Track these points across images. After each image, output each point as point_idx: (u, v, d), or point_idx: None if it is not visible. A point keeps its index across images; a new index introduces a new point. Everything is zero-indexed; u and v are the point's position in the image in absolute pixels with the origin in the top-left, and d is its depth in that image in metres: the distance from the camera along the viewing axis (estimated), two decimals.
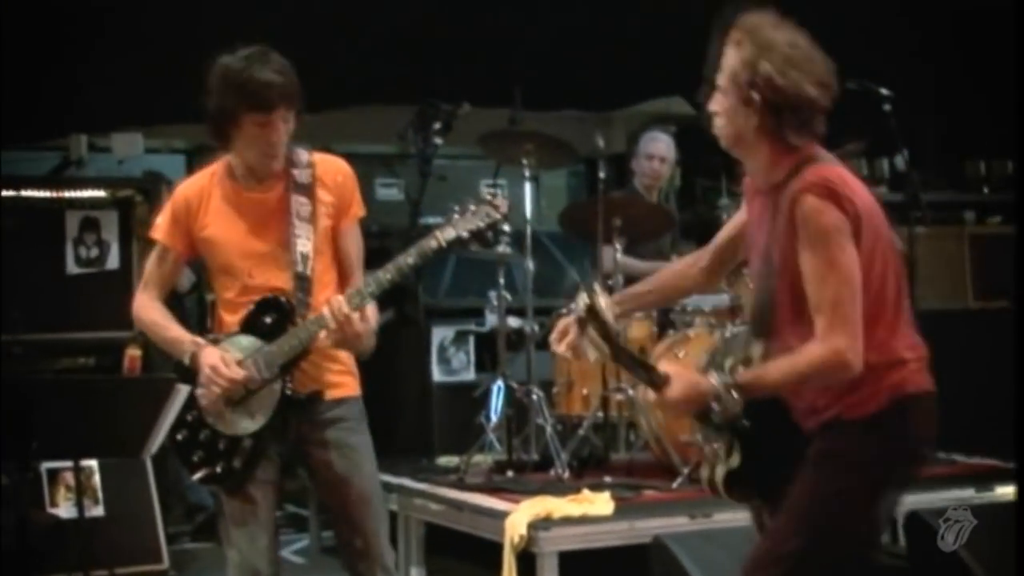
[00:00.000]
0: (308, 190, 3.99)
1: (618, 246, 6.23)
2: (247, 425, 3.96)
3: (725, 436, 3.38)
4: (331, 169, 4.08)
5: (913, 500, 5.69)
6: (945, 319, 7.00)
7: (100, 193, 7.01)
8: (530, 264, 6.23)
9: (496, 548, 5.22)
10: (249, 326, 3.97)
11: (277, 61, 3.86)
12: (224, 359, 3.88)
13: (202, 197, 4.02)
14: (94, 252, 6.89)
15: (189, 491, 6.94)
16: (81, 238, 6.90)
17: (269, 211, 3.99)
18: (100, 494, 6.02)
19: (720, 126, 3.34)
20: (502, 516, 5.27)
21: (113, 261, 6.88)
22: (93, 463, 6.03)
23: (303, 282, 3.96)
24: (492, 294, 6.45)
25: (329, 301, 3.86)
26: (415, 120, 7.30)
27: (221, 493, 4.05)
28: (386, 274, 3.89)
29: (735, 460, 3.37)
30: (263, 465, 4.01)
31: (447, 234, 3.92)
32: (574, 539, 5.21)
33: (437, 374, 7.50)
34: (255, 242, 3.99)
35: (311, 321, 3.89)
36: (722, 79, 3.30)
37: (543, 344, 6.55)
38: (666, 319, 6.47)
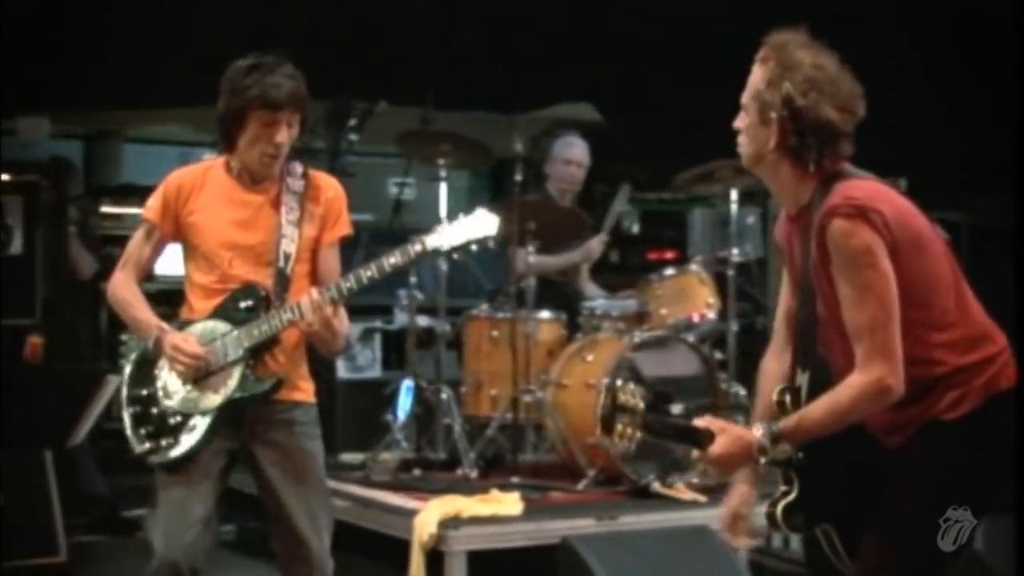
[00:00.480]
0: (299, 198, 4.03)
1: (531, 249, 6.20)
2: (203, 402, 3.93)
3: (781, 470, 3.30)
4: (323, 184, 4.12)
5: None
6: None
7: (4, 177, 6.83)
8: (443, 264, 6.16)
9: (402, 546, 5.18)
10: (222, 312, 3.98)
11: (289, 68, 3.93)
12: (184, 337, 3.91)
13: (194, 185, 4.04)
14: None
15: (86, 483, 6.78)
16: None
17: (259, 209, 4.02)
18: None
19: (741, 144, 3.29)
20: (411, 514, 5.23)
21: (16, 246, 6.70)
22: None
23: (282, 279, 3.99)
24: (402, 292, 6.40)
25: (309, 291, 3.87)
26: (327, 116, 7.20)
27: (161, 475, 3.96)
28: (366, 272, 3.88)
29: (793, 493, 3.29)
30: (208, 454, 3.94)
31: (433, 241, 3.91)
32: (483, 539, 5.19)
33: (342, 371, 7.41)
34: (240, 235, 4.00)
35: (285, 309, 3.89)
36: (745, 96, 3.26)
37: (453, 343, 6.53)
38: (575, 323, 6.45)
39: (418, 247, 3.89)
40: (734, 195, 6.51)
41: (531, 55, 8.41)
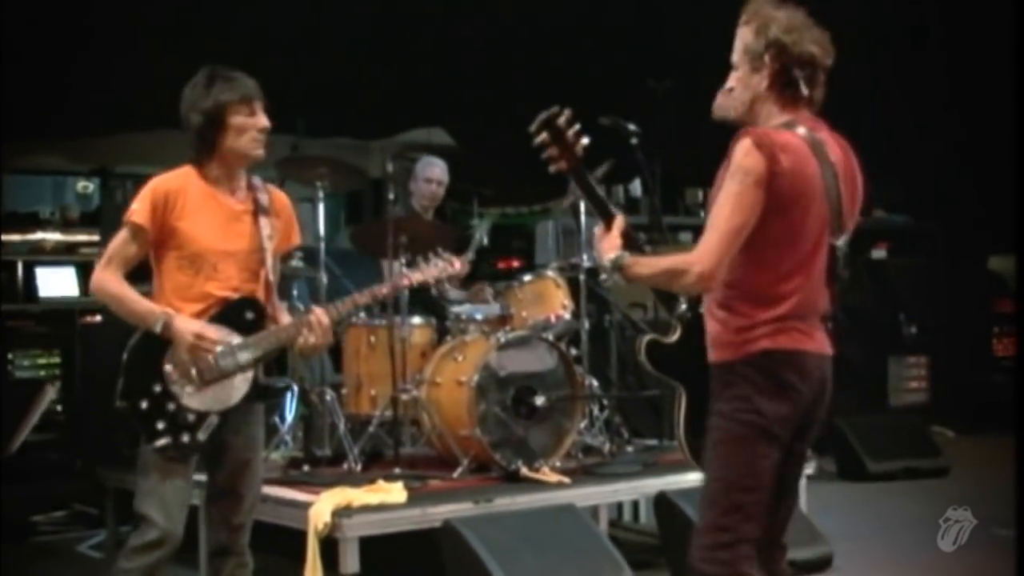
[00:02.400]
0: (268, 212, 4.13)
1: (403, 260, 6.28)
2: (220, 402, 4.03)
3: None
4: (278, 198, 4.23)
5: (661, 482, 6.00)
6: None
7: None
8: (324, 277, 6.22)
9: (297, 536, 5.18)
10: (224, 318, 4.05)
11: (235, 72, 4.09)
12: (203, 324, 3.97)
13: (179, 192, 4.04)
14: None
15: None
16: None
17: (237, 217, 4.09)
18: None
19: (735, 96, 3.49)
20: (305, 506, 5.24)
21: None
22: None
23: (268, 289, 4.15)
24: (284, 305, 6.40)
25: (314, 311, 4.13)
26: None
27: (158, 459, 3.99)
28: (361, 297, 4.21)
29: (669, 339, 3.66)
30: (198, 442, 4.04)
31: (416, 276, 4.40)
32: (373, 525, 5.22)
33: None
34: (224, 241, 4.06)
35: (291, 325, 4.11)
36: (735, 55, 3.48)
37: (332, 349, 6.57)
38: (444, 327, 6.56)
39: (405, 281, 4.38)
40: (583, 206, 6.69)
41: (388, 85, 8.54)
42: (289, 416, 6.30)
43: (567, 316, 6.50)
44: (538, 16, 8.23)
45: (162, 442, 3.98)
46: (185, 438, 4.00)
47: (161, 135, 8.20)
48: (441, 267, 4.40)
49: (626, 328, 7.67)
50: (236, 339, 4.04)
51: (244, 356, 4.04)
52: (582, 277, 6.61)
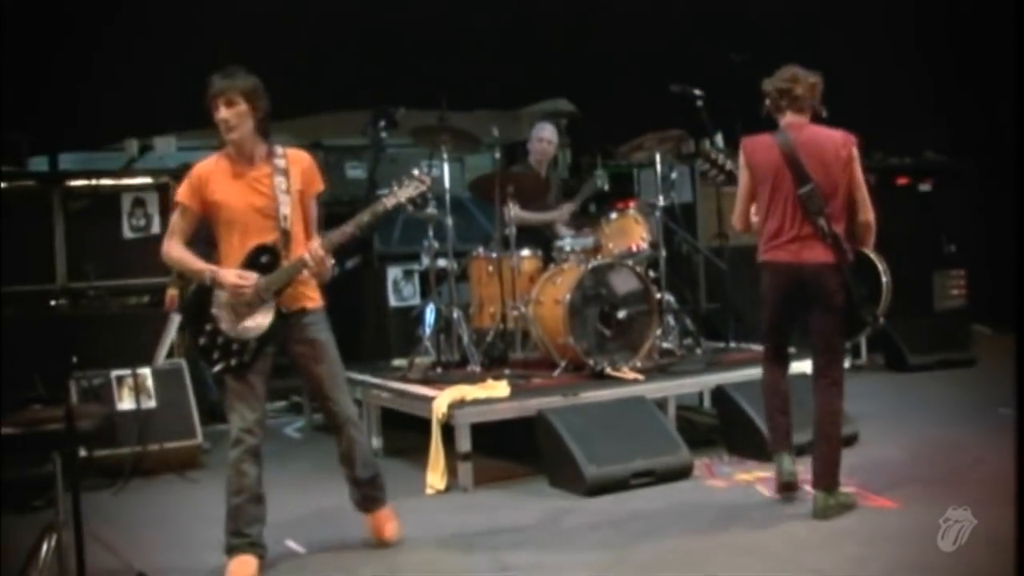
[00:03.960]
0: (284, 172, 4.06)
1: (513, 206, 6.20)
2: (252, 331, 4.04)
3: None
4: (297, 157, 4.15)
5: (719, 377, 5.81)
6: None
7: (146, 180, 6.89)
8: (449, 220, 6.17)
9: (428, 423, 5.24)
10: (249, 263, 4.04)
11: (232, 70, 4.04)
12: (239, 273, 4.00)
13: (211, 173, 4.07)
14: (142, 222, 6.79)
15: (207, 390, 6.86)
16: (132, 212, 6.79)
17: (257, 180, 4.07)
18: (152, 392, 5.97)
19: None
20: (431, 400, 5.28)
21: (155, 228, 6.77)
22: (147, 370, 5.97)
23: (285, 235, 4.04)
24: (424, 243, 6.41)
25: (309, 246, 4.00)
26: (371, 120, 7.21)
27: (229, 380, 4.06)
28: (348, 227, 4.04)
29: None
30: (261, 359, 4.06)
31: (390, 200, 4.09)
32: (481, 414, 5.23)
33: (392, 301, 7.48)
34: (249, 202, 4.05)
35: (296, 261, 4.01)
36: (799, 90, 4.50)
37: (461, 276, 6.56)
38: (549, 256, 6.45)
39: (380, 207, 4.07)
40: (658, 157, 6.47)
41: (519, 64, 8.37)
42: (428, 330, 6.29)
43: (646, 246, 6.30)
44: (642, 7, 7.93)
45: (218, 367, 4.04)
46: (234, 362, 4.02)
47: (347, 114, 8.40)
48: (414, 186, 4.09)
49: (695, 254, 7.42)
50: (259, 279, 4.01)
51: (265, 291, 4.01)
52: (658, 214, 6.41)
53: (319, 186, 4.19)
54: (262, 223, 4.04)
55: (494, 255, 6.24)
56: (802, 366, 5.03)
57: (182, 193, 4.11)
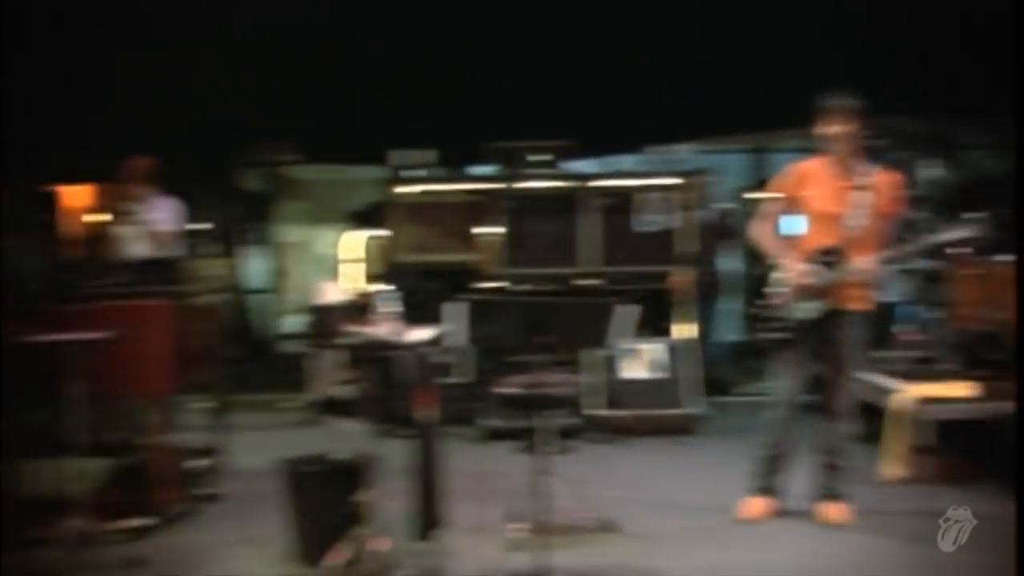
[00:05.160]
0: (864, 188, 4.52)
1: None
2: (805, 312, 4.59)
3: None
4: (883, 175, 4.56)
5: None
6: None
7: (658, 181, 7.47)
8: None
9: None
10: (815, 258, 4.57)
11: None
12: (802, 268, 4.57)
13: (808, 174, 4.62)
14: (652, 217, 7.42)
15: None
16: (642, 209, 7.44)
17: (838, 191, 4.56)
18: (667, 363, 6.65)
19: None
20: (892, 392, 5.43)
21: (665, 222, 7.37)
22: (659, 344, 6.72)
23: (850, 243, 4.52)
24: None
25: (865, 259, 4.46)
26: None
27: (780, 350, 4.63)
28: (908, 247, 4.47)
29: None
30: (800, 342, 4.60)
31: (943, 236, 4.44)
32: (943, 412, 5.31)
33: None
34: (825, 207, 4.57)
35: (851, 267, 4.49)
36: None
37: (937, 277, 6.36)
38: None
39: (931, 242, 4.45)
40: None
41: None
42: (907, 327, 6.34)
43: None
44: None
45: (768, 336, 4.64)
46: (780, 335, 4.59)
47: None
48: (969, 229, 4.39)
49: None
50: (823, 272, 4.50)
51: (822, 282, 4.47)
52: None
53: (894, 207, 4.54)
54: (830, 225, 4.52)
55: (978, 258, 6.09)
56: None
57: (778, 185, 4.69)
